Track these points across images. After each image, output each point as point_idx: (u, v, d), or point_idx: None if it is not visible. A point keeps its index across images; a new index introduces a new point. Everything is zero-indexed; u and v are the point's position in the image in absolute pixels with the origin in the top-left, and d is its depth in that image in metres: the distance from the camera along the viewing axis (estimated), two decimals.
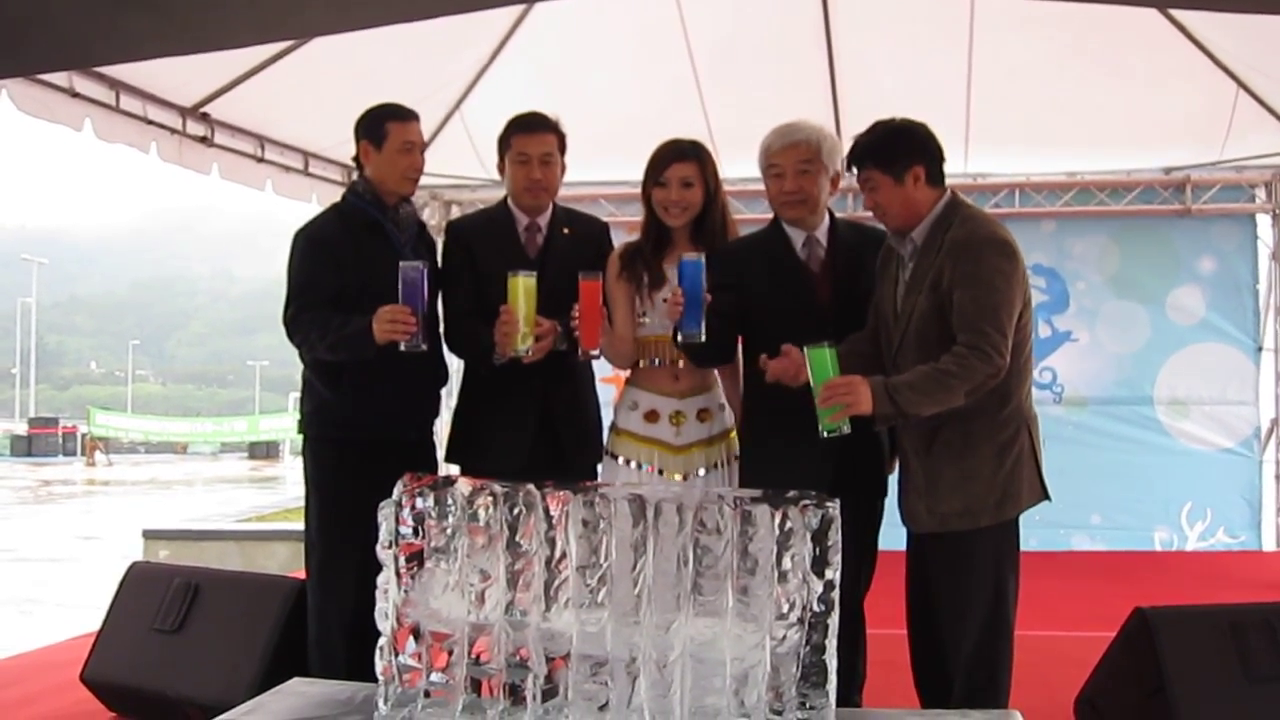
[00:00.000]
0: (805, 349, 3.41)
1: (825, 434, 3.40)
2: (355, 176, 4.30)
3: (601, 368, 4.32)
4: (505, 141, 4.11)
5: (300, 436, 4.27)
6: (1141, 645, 3.61)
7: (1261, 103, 7.15)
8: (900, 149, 3.59)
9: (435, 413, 4.38)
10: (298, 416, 4.27)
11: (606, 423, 4.20)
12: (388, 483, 2.39)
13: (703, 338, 3.55)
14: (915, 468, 3.62)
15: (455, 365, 4.42)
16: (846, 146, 3.83)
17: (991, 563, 3.52)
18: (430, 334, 3.89)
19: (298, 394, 4.33)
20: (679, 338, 3.62)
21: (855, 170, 3.64)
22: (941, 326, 3.47)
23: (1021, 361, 3.52)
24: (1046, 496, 3.61)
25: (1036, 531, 7.56)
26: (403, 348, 3.76)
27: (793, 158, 3.81)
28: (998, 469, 3.50)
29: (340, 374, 4.03)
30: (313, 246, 4.10)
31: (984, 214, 3.70)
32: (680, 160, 3.90)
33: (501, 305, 3.74)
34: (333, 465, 4.10)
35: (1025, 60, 6.90)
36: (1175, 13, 6.24)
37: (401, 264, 3.77)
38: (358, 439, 4.03)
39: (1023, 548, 3.61)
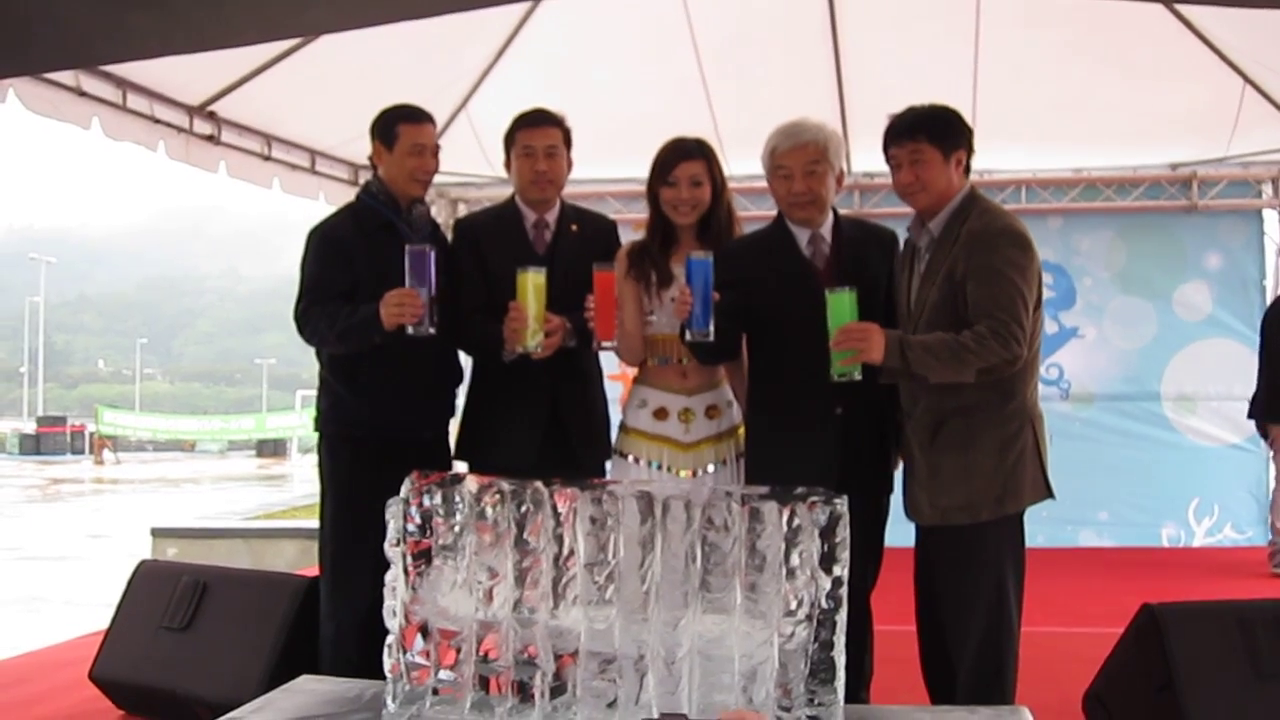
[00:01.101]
0: (827, 292, 3.43)
1: (836, 377, 3.42)
2: (371, 176, 4.30)
3: (609, 365, 4.32)
4: (510, 137, 4.11)
5: (315, 434, 4.27)
6: (1150, 641, 3.60)
7: (1268, 98, 7.14)
8: (956, 128, 3.62)
9: (451, 412, 4.37)
10: (313, 414, 4.26)
11: (613, 420, 4.21)
12: (402, 481, 2.39)
13: (711, 336, 3.54)
14: (918, 460, 3.62)
15: (468, 364, 4.41)
16: (853, 145, 3.84)
17: (994, 558, 3.52)
18: (443, 331, 3.88)
19: (305, 392, 4.38)
20: (687, 336, 3.61)
21: (899, 143, 3.62)
22: (954, 318, 3.48)
23: (1029, 357, 3.52)
24: (1050, 494, 3.60)
25: (1044, 527, 7.61)
26: (410, 331, 3.74)
27: (800, 159, 3.80)
28: (999, 464, 3.50)
29: (356, 372, 4.04)
30: (325, 244, 4.11)
31: (1001, 208, 3.71)
32: (688, 159, 3.91)
33: (511, 302, 3.75)
34: (348, 463, 4.10)
35: (1031, 57, 6.90)
36: (1181, 8, 6.23)
37: (408, 246, 3.75)
38: (373, 437, 4.03)
39: (1030, 544, 3.61)
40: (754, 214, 5.57)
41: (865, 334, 3.39)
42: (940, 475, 3.55)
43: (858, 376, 3.43)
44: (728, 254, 3.78)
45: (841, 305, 3.42)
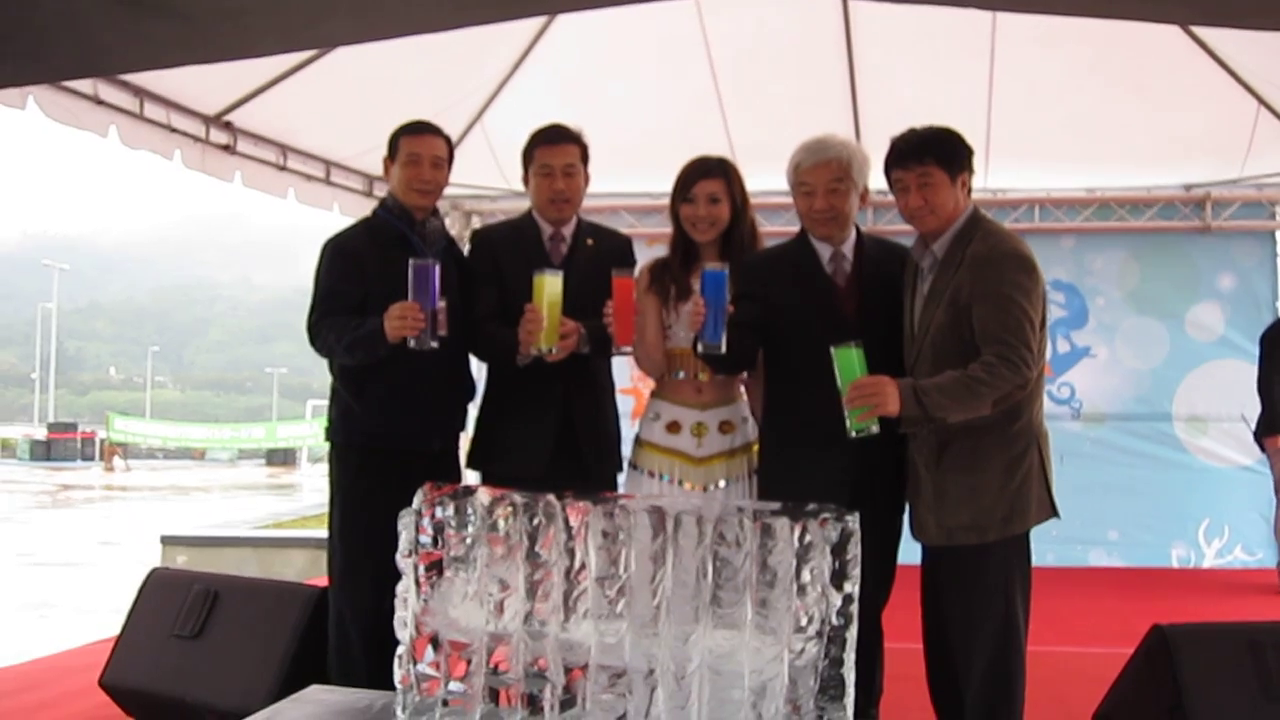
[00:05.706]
0: (832, 349, 3.40)
1: (854, 433, 3.40)
2: (387, 191, 4.31)
3: (620, 379, 4.32)
4: (529, 154, 4.14)
5: (325, 444, 4.29)
6: (1159, 663, 3.59)
7: None
8: (960, 150, 3.63)
9: (461, 424, 4.37)
10: (324, 424, 4.28)
11: (624, 433, 4.22)
12: (411, 491, 2.39)
13: (723, 349, 3.54)
14: (925, 480, 3.62)
15: (481, 377, 4.42)
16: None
17: (1001, 578, 3.52)
18: (457, 340, 3.89)
19: (316, 401, 4.37)
20: (699, 347, 3.62)
21: (907, 166, 3.62)
22: (959, 341, 3.48)
23: (1035, 378, 3.52)
24: (1055, 514, 3.60)
25: (1054, 547, 7.61)
26: (412, 344, 3.74)
27: (824, 176, 3.81)
28: (1006, 484, 3.50)
29: (365, 383, 4.05)
30: (339, 257, 4.13)
31: (1004, 229, 3.70)
32: (707, 177, 3.94)
33: (527, 304, 3.76)
34: (356, 473, 4.11)
35: (1046, 76, 6.91)
36: (1197, 29, 6.24)
37: (411, 260, 3.75)
38: (381, 447, 4.05)
39: (1040, 563, 3.61)
40: (768, 229, 5.58)
41: (878, 387, 3.37)
42: (947, 496, 3.54)
43: (875, 430, 3.40)
44: (749, 266, 3.80)
45: (849, 361, 3.38)
